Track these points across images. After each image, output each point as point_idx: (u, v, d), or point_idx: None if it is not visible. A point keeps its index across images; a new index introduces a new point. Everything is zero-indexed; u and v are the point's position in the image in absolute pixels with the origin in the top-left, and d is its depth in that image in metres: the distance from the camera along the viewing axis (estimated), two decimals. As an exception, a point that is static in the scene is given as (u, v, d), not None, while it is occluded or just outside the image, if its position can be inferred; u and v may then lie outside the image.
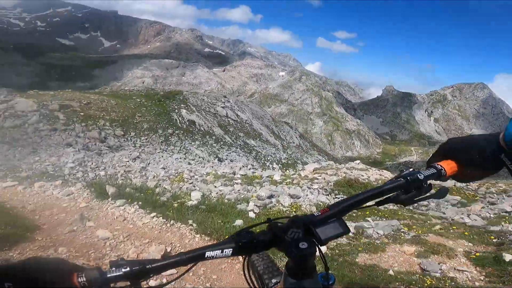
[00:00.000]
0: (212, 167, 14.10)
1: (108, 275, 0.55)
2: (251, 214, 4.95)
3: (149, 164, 10.68)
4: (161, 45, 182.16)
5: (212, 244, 0.63)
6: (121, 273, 0.55)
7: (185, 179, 7.96)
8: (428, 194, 0.72)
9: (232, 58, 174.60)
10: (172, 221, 4.36)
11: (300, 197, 6.31)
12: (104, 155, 10.97)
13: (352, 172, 9.14)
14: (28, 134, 12.38)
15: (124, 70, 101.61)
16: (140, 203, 4.93)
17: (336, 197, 6.64)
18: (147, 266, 0.58)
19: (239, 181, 7.93)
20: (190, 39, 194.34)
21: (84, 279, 0.53)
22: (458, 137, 0.82)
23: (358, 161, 11.39)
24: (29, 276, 0.51)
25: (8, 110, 13.80)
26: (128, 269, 0.56)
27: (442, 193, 0.71)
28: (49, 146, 11.44)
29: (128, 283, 0.57)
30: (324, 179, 8.17)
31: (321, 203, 5.98)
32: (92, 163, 9.04)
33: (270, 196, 6.03)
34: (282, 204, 5.61)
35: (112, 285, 0.56)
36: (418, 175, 0.71)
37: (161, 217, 4.45)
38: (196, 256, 0.61)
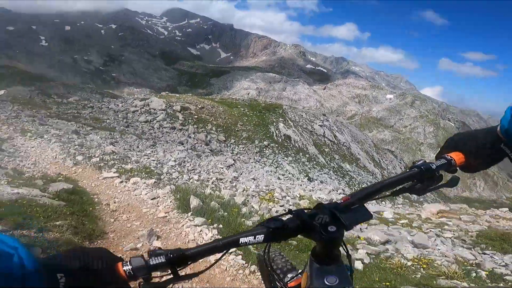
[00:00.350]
0: (301, 185, 13.58)
1: (151, 263, 0.56)
2: (359, 265, 3.75)
3: (241, 174, 10.91)
4: (267, 59, 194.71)
5: (245, 230, 0.65)
6: (162, 260, 0.57)
7: (275, 199, 7.55)
8: (440, 184, 0.74)
9: (334, 76, 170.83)
10: (253, 267, 3.33)
11: (427, 248, 4.91)
12: (203, 157, 11.81)
13: (499, 222, 7.03)
14: (154, 129, 14.69)
15: (234, 81, 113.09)
16: (221, 226, 4.37)
17: (483, 253, 4.88)
18: (186, 253, 0.59)
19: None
20: (294, 54, 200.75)
21: (130, 267, 0.55)
22: (463, 132, 0.87)
23: (505, 209, 8.95)
24: (79, 266, 0.52)
25: (144, 107, 16.81)
26: (169, 256, 0.57)
27: (454, 181, 0.75)
28: (166, 142, 13.18)
29: (169, 270, 0.58)
30: (458, 226, 6.45)
31: (461, 259, 4.39)
32: (190, 165, 9.37)
33: (386, 242, 4.80)
34: (403, 255, 4.31)
35: (153, 274, 0.57)
36: (431, 165, 0.74)
37: (240, 258, 3.49)
38: (231, 242, 0.62)
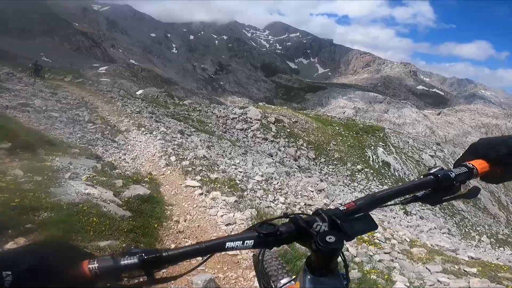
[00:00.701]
0: (395, 218, 11.72)
1: (122, 263, 0.52)
2: (356, 274, 3.10)
3: (333, 201, 9.77)
4: (369, 77, 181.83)
5: (233, 234, 0.60)
6: (135, 261, 0.52)
7: (376, 241, 5.83)
8: (457, 194, 0.69)
9: (454, 101, 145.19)
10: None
11: None
12: (292, 175, 11.18)
13: None
14: (247, 137, 15.05)
15: (330, 98, 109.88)
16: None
17: None
18: (163, 254, 0.55)
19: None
20: (402, 73, 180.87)
21: (96, 265, 0.50)
22: (488, 137, 0.80)
23: None
24: (34, 263, 0.47)
25: (242, 115, 17.56)
26: (143, 257, 0.53)
27: (473, 192, 0.68)
28: (256, 152, 13.20)
29: (142, 272, 0.54)
30: None
31: None
32: (278, 183, 8.52)
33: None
34: None
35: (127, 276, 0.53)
36: (450, 173, 0.68)
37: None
38: (215, 246, 0.58)
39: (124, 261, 0.52)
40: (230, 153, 11.05)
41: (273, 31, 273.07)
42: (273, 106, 24.75)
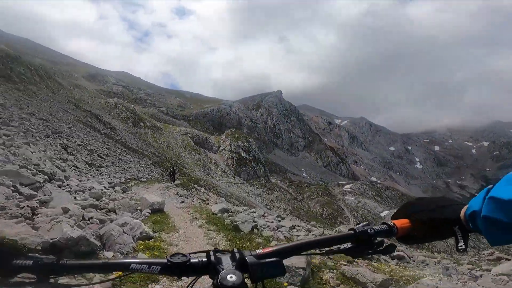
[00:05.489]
0: None
1: (15, 262, 0.52)
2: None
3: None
4: None
5: (142, 258, 0.62)
6: (29, 263, 0.53)
7: None
8: (376, 250, 0.73)
9: None
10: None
11: None
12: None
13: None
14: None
15: None
16: None
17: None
18: (61, 263, 0.54)
19: None
20: None
21: None
22: (421, 197, 0.83)
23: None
24: None
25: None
26: (38, 262, 0.53)
27: (389, 249, 0.73)
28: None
29: (35, 276, 0.53)
30: None
31: None
32: None
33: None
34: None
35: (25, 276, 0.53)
36: (369, 230, 0.73)
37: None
38: (120, 265, 0.59)
39: (19, 261, 0.52)
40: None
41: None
42: None
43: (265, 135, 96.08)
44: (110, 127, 36.28)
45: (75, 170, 11.92)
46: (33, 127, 15.96)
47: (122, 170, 17.12)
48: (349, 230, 0.74)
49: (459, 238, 0.69)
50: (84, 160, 14.54)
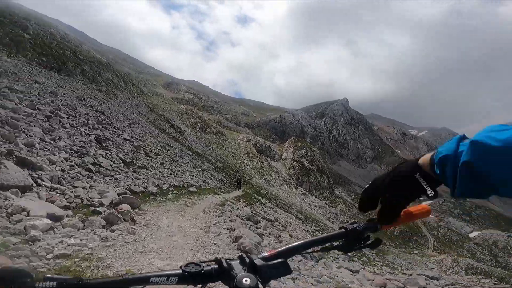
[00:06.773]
0: None
1: (38, 284, 0.52)
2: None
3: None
4: None
5: (159, 270, 0.65)
6: (53, 284, 0.53)
7: None
8: (364, 244, 0.78)
9: None
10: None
11: None
12: None
13: None
14: None
15: None
16: None
17: None
18: (84, 282, 0.56)
19: None
20: None
21: (13, 286, 0.51)
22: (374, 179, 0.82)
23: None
24: None
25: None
26: (62, 284, 0.54)
27: (376, 244, 0.79)
28: None
29: None
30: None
31: None
32: None
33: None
34: None
35: None
36: (357, 227, 0.78)
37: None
38: (139, 279, 0.61)
39: (42, 286, 0.52)
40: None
41: None
42: None
43: (329, 145, 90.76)
44: (179, 131, 37.89)
45: (91, 170, 8.68)
46: (73, 114, 14.24)
47: (172, 174, 13.68)
48: (339, 228, 0.79)
49: (424, 185, 0.67)
50: (120, 157, 11.54)
